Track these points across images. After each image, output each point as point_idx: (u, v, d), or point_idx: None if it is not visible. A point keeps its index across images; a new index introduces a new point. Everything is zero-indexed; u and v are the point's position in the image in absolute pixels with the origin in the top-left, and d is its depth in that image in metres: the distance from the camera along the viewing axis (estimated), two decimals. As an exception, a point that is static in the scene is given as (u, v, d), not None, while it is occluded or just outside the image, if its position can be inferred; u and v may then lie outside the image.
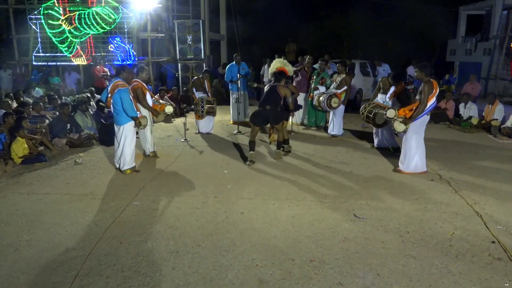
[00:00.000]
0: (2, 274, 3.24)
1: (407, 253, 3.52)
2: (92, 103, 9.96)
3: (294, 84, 9.63)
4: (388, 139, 7.20)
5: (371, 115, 6.84)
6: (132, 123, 5.78)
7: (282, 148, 6.84)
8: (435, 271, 3.23)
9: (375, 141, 7.40)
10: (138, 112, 5.86)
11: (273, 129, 7.32)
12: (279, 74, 6.75)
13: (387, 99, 7.08)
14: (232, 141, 8.08)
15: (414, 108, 5.61)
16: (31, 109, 8.22)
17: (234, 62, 9.57)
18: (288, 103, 6.73)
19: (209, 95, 8.56)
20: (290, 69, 7.34)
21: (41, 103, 8.81)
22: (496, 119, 8.84)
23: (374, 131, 7.39)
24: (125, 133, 5.76)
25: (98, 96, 9.92)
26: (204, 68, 9.12)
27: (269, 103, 6.49)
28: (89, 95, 10.22)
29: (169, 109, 7.02)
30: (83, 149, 7.37)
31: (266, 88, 6.75)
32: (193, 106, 8.58)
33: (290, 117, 9.48)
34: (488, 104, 9.24)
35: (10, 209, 4.56)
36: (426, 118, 5.67)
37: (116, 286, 3.06)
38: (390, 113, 5.87)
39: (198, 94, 8.44)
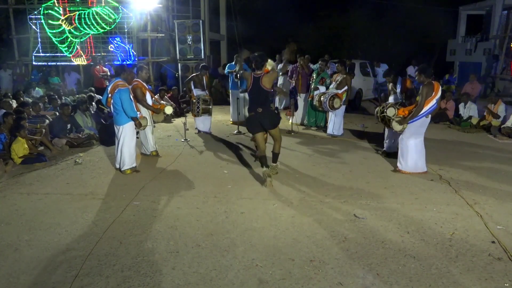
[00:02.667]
0: (2, 274, 3.24)
1: (407, 253, 3.52)
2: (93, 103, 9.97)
3: (293, 84, 9.66)
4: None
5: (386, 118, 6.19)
6: (131, 123, 5.78)
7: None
8: (435, 271, 3.23)
9: (385, 145, 6.87)
10: (138, 113, 5.86)
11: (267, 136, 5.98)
12: (261, 58, 5.34)
13: (399, 97, 7.06)
14: (232, 141, 8.08)
15: (413, 108, 5.61)
16: (31, 109, 8.23)
17: (234, 62, 9.57)
18: (276, 90, 5.72)
19: (207, 92, 8.55)
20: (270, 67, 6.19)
21: (40, 103, 8.81)
22: (499, 117, 8.85)
23: (386, 135, 6.84)
24: (125, 133, 5.76)
25: (98, 96, 9.92)
26: (202, 64, 9.11)
27: (260, 103, 5.36)
28: (92, 94, 10.21)
29: (168, 109, 7.01)
30: (83, 149, 7.37)
31: (248, 84, 5.50)
32: (190, 105, 8.57)
33: (290, 117, 9.50)
34: (491, 103, 9.24)
35: (10, 209, 4.56)
36: (425, 120, 5.63)
37: (116, 286, 3.06)
38: (390, 112, 5.86)
39: (196, 92, 8.42)
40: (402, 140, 5.75)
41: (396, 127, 5.66)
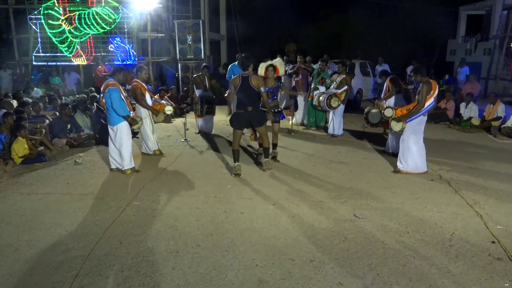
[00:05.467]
0: (2, 274, 3.24)
1: (407, 253, 3.52)
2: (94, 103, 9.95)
3: (293, 84, 9.66)
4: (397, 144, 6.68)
5: (365, 115, 7.03)
6: (125, 122, 5.73)
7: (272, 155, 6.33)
8: (435, 271, 3.23)
9: (389, 146, 6.85)
10: (131, 112, 5.83)
11: (255, 132, 6.38)
12: (246, 59, 5.61)
13: (382, 96, 7.25)
14: (232, 141, 8.06)
15: (411, 107, 5.63)
16: (31, 109, 8.23)
17: (236, 62, 9.55)
18: (261, 95, 5.68)
19: (210, 93, 8.56)
20: (282, 70, 6.55)
21: (40, 103, 8.82)
22: (500, 118, 8.86)
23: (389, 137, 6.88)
24: (120, 133, 5.73)
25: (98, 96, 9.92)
26: (203, 64, 9.11)
27: (250, 102, 5.59)
28: (95, 94, 10.21)
29: (169, 109, 7.01)
30: (83, 149, 7.37)
31: (237, 83, 5.60)
32: (192, 105, 8.58)
33: (290, 117, 9.49)
34: (490, 104, 9.25)
35: (10, 209, 4.56)
36: (423, 118, 5.66)
37: (116, 286, 3.06)
38: (388, 112, 5.87)
39: (198, 92, 8.43)
40: (403, 140, 5.76)
41: (395, 127, 5.67)
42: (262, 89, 5.62)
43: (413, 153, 5.72)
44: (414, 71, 5.65)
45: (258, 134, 6.34)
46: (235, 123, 5.71)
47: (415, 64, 5.93)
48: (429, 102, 5.51)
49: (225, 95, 6.15)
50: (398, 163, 5.87)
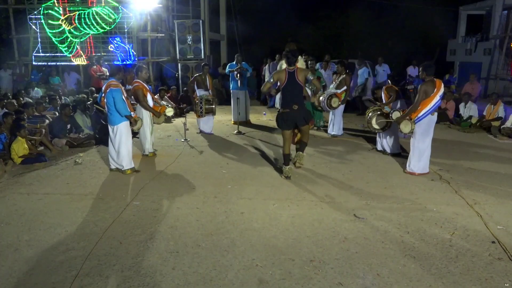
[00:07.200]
0: (2, 274, 3.24)
1: (407, 253, 3.52)
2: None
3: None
4: (392, 144, 6.87)
5: (367, 124, 6.96)
6: (126, 123, 5.76)
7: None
8: (435, 271, 3.23)
9: (378, 143, 7.17)
10: (132, 113, 5.85)
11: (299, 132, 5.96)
12: (292, 55, 5.28)
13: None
14: (232, 141, 8.08)
15: (409, 107, 5.62)
16: (34, 109, 8.23)
17: (234, 62, 9.57)
18: (310, 82, 5.47)
19: (210, 92, 8.54)
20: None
21: (43, 103, 8.83)
22: (500, 118, 8.86)
23: (377, 134, 7.11)
24: (120, 133, 5.75)
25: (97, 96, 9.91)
26: (203, 63, 9.08)
27: (296, 99, 5.32)
28: (97, 95, 10.21)
29: (169, 111, 7.00)
30: (83, 149, 7.37)
31: (283, 80, 5.37)
32: (192, 106, 8.56)
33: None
34: (491, 104, 9.25)
35: (10, 209, 4.56)
36: (432, 118, 5.58)
37: (116, 286, 3.06)
38: (396, 115, 5.87)
39: (199, 92, 8.41)
40: (415, 142, 5.70)
41: (405, 128, 5.64)
42: (310, 76, 5.42)
43: (421, 154, 5.69)
44: (423, 67, 5.57)
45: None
46: (282, 124, 5.49)
47: (426, 62, 5.84)
48: (434, 100, 5.46)
49: (262, 87, 5.81)
50: (411, 165, 5.77)
